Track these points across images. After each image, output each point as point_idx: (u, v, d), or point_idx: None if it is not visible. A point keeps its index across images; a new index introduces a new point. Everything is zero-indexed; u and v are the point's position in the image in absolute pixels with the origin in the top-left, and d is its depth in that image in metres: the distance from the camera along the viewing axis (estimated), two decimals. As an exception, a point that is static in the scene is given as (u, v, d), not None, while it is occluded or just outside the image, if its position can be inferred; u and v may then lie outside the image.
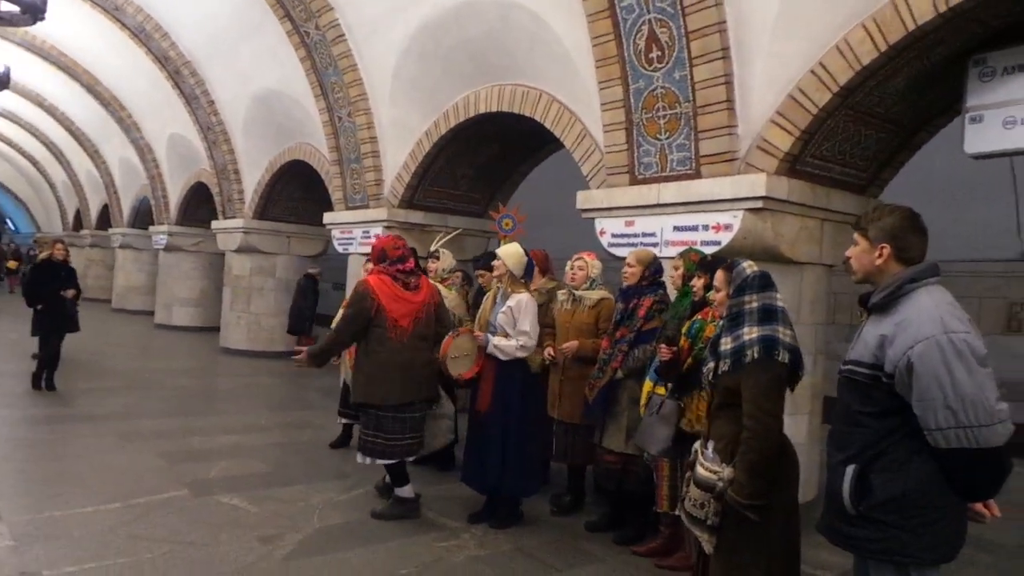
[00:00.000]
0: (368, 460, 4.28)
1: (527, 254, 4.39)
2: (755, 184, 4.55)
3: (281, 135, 10.67)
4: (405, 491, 4.49)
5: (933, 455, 1.99)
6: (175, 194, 15.14)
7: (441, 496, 4.97)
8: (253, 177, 11.69)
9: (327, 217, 9.43)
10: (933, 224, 5.79)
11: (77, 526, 3.94)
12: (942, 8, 3.77)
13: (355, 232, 8.74)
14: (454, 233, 6.63)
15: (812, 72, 4.40)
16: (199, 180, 13.76)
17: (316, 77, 8.72)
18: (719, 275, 2.91)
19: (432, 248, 5.77)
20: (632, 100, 5.22)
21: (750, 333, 2.69)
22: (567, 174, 8.95)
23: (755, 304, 2.76)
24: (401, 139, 8.05)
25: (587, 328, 4.68)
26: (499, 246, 5.12)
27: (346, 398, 5.71)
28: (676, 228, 5.02)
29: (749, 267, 2.84)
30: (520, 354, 4.20)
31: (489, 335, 4.19)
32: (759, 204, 4.55)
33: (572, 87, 5.94)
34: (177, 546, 3.77)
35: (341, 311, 5.12)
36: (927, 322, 1.98)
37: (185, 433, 6.27)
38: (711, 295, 2.98)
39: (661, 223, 5.11)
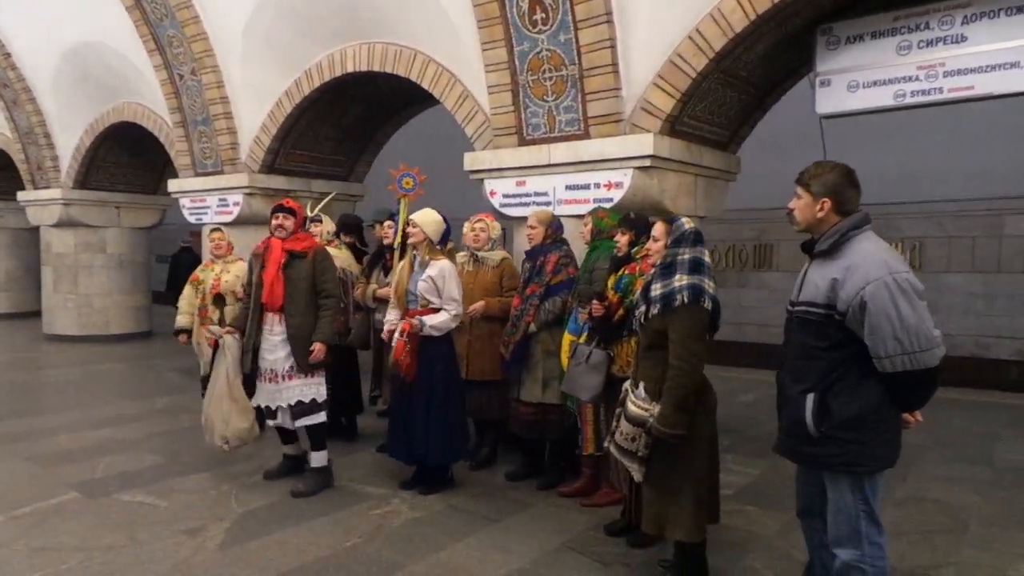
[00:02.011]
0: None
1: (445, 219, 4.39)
2: (643, 143, 4.87)
3: (102, 93, 9.55)
4: (322, 457, 4.45)
5: (881, 378, 2.35)
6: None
7: (355, 466, 4.95)
8: (69, 141, 10.40)
9: (173, 185, 8.68)
10: (755, 176, 6.44)
11: (-37, 547, 3.51)
12: (806, -18, 4.22)
13: (209, 200, 8.14)
14: (330, 197, 6.42)
15: (690, 38, 4.75)
16: (-7, 146, 11.99)
17: (148, 29, 7.90)
18: (659, 227, 3.16)
19: (312, 213, 5.57)
20: (517, 62, 5.32)
21: (680, 280, 2.98)
22: (434, 134, 8.92)
23: (687, 256, 3.04)
24: (257, 99, 7.56)
25: (492, 287, 4.81)
26: (398, 205, 5.05)
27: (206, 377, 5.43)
28: (568, 187, 5.24)
29: (687, 223, 3.12)
30: (454, 324, 4.23)
31: (423, 320, 4.15)
32: (647, 163, 4.88)
33: (451, 47, 5.90)
34: (94, 552, 3.48)
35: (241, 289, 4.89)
36: (874, 265, 2.30)
37: (46, 433, 5.66)
38: (648, 245, 3.22)
39: (553, 182, 5.31)
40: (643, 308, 3.09)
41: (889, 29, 4.60)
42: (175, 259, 13.25)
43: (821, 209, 2.43)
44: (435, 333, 4.17)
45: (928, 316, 2.28)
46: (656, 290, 3.04)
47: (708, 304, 2.98)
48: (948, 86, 4.45)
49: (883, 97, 4.66)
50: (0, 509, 4.00)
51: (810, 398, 2.41)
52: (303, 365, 4.30)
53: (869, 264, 2.30)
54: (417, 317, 4.14)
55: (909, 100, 4.58)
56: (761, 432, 5.81)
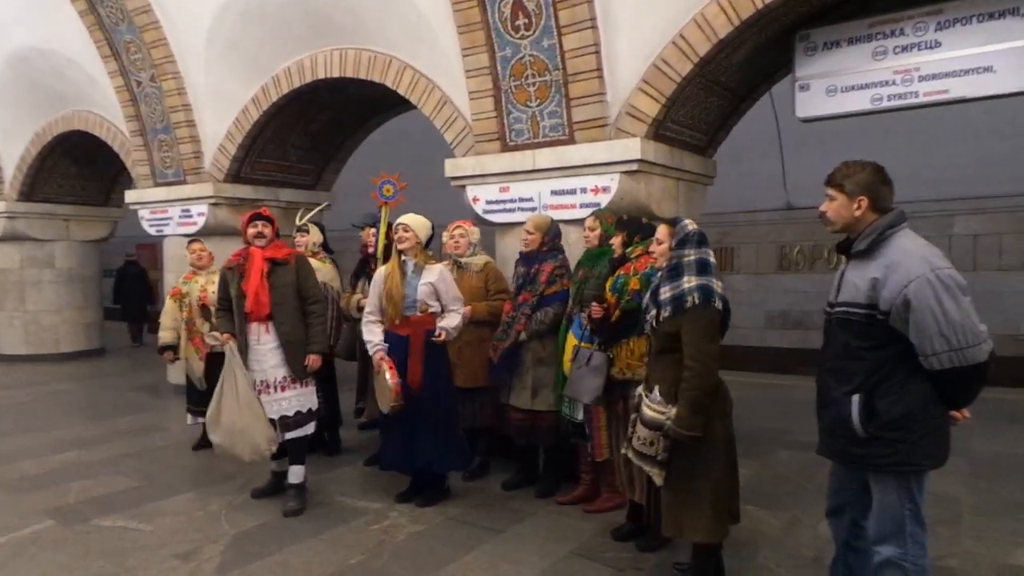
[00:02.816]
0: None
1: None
2: (629, 148, 4.89)
3: (50, 101, 9.14)
4: (301, 472, 4.32)
5: (928, 376, 2.34)
6: None
7: (343, 480, 4.82)
8: (13, 152, 9.92)
9: (131, 195, 8.34)
10: (717, 180, 6.52)
11: (-64, 584, 3.26)
12: (787, -13, 4.31)
13: (171, 211, 7.85)
14: (322, 207, 6.26)
15: (674, 43, 4.79)
16: (-74, 157, 11.34)
17: (103, 34, 7.60)
18: (663, 229, 3.16)
19: (299, 222, 5.42)
20: (500, 68, 5.28)
21: (689, 282, 2.98)
22: (404, 142, 8.81)
23: (692, 257, 3.05)
24: (221, 107, 7.33)
25: (477, 292, 4.75)
26: (379, 213, 4.94)
27: (198, 393, 5.25)
28: (554, 192, 5.22)
29: (690, 224, 3.12)
30: (462, 324, 4.24)
31: (447, 326, 4.10)
32: (634, 167, 4.90)
33: (428, 53, 5.83)
34: (82, 583, 3.28)
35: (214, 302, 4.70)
36: (915, 262, 2.29)
37: (5, 458, 5.33)
38: (652, 247, 3.21)
39: (538, 188, 5.29)
40: (653, 312, 3.07)
41: (865, 35, 4.73)
42: (120, 273, 12.78)
43: (858, 208, 2.42)
44: (453, 335, 4.14)
45: (973, 311, 2.27)
46: (665, 293, 3.04)
47: (719, 304, 2.99)
48: (923, 90, 4.59)
49: (861, 101, 4.78)
50: (-29, 541, 3.75)
51: (855, 399, 2.39)
52: (299, 372, 4.18)
53: (910, 262, 2.29)
54: (441, 327, 4.09)
55: (886, 104, 4.71)
56: (745, 431, 5.87)
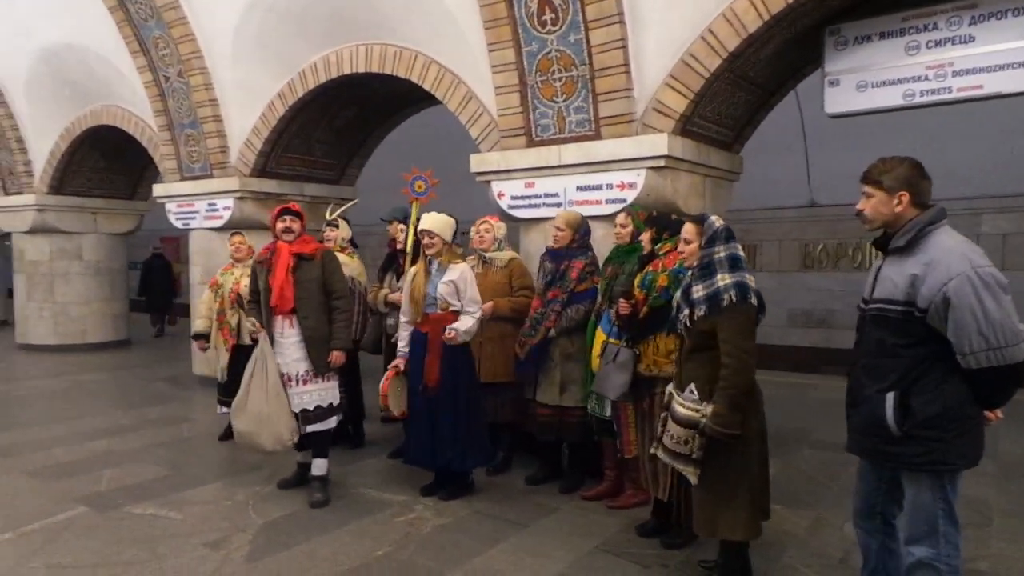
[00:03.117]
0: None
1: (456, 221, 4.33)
2: (656, 144, 4.87)
3: (79, 96, 9.28)
4: (324, 466, 4.36)
5: (964, 375, 2.31)
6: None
7: (368, 473, 4.86)
8: (43, 146, 10.07)
9: (158, 189, 8.45)
10: (740, 176, 6.42)
11: (-25, 567, 3.34)
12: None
13: (198, 205, 7.94)
14: (352, 203, 6.31)
15: (703, 38, 4.76)
16: (-41, 151, 11.57)
17: (132, 29, 7.69)
18: (691, 228, 3.13)
19: (330, 217, 5.47)
20: (526, 63, 5.28)
21: (723, 279, 2.97)
22: (426, 138, 8.83)
23: (723, 254, 3.03)
24: (248, 102, 7.40)
25: (501, 288, 4.76)
26: (411, 208, 4.96)
27: (225, 385, 5.31)
28: (580, 188, 5.21)
29: (717, 220, 3.10)
30: (476, 327, 4.21)
31: (457, 327, 4.10)
32: (661, 163, 4.88)
33: (454, 49, 5.84)
34: (115, 568, 3.34)
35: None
36: (956, 260, 2.26)
37: (40, 446, 5.44)
38: (681, 247, 3.20)
39: (564, 183, 5.28)
40: (686, 311, 3.06)
41: (897, 30, 4.67)
42: (147, 265, 13.03)
43: (899, 203, 2.39)
44: (467, 338, 4.12)
45: (1013, 310, 2.24)
46: (698, 292, 3.02)
47: (754, 300, 2.98)
48: (957, 85, 4.52)
49: (892, 97, 4.72)
50: (7, 526, 3.83)
51: (890, 397, 2.36)
52: (320, 367, 4.21)
53: (950, 259, 2.26)
54: (451, 327, 4.09)
55: (919, 100, 4.64)
56: (768, 431, 5.83)
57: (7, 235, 11.47)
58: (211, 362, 7.66)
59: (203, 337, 5.51)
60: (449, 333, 4.07)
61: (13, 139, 10.18)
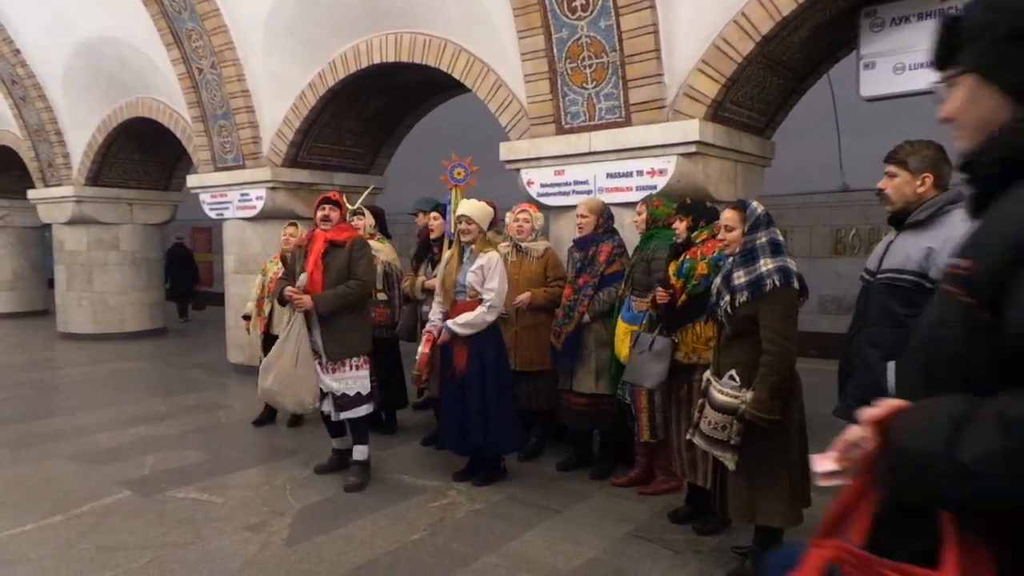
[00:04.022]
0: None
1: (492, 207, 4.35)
2: (687, 130, 4.83)
3: (115, 88, 9.45)
4: (364, 451, 4.44)
5: None
6: (-36, 162, 12.96)
7: (401, 459, 4.93)
8: (81, 138, 10.29)
9: (192, 180, 8.59)
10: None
11: (28, 547, 3.47)
12: (857, -36, 4.18)
13: (231, 195, 8.06)
14: (368, 190, 6.32)
15: (735, 22, 4.70)
16: (0, 144, 11.87)
17: (166, 22, 7.80)
18: (732, 215, 3.11)
19: (355, 206, 5.52)
20: (556, 50, 5.26)
21: (766, 265, 2.96)
22: (455, 126, 8.86)
23: (764, 239, 3.02)
24: (279, 93, 7.48)
25: (537, 278, 4.78)
26: (450, 196, 4.99)
27: None
28: (609, 175, 5.20)
29: (759, 206, 3.08)
30: (490, 317, 4.15)
31: (448, 323, 4.16)
32: (692, 148, 4.84)
33: (483, 36, 5.84)
34: (161, 550, 3.44)
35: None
36: None
37: (84, 432, 5.61)
38: (722, 235, 3.18)
39: (593, 171, 5.27)
40: (727, 297, 3.05)
41: (937, 10, 4.55)
42: (170, 254, 13.39)
43: (922, 184, 2.47)
44: (468, 331, 4.13)
45: None
46: (740, 278, 3.01)
47: (797, 285, 2.97)
48: (999, 67, 4.41)
49: (930, 79, 4.60)
50: (57, 509, 3.96)
51: (891, 365, 2.40)
52: (332, 353, 4.25)
53: None
54: (446, 323, 4.18)
55: (958, 82, 4.53)
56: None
57: (47, 226, 11.77)
58: (244, 349, 7.86)
59: (248, 318, 5.79)
60: (433, 334, 4.27)
61: (52, 132, 10.40)
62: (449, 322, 4.17)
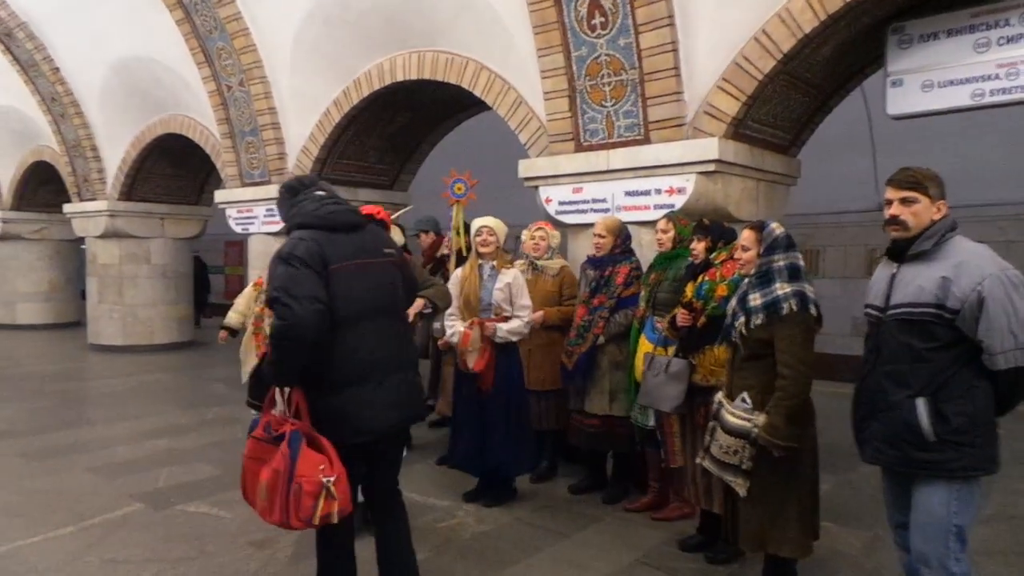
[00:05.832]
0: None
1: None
2: (707, 148, 4.76)
3: (148, 106, 9.68)
4: None
5: (988, 379, 2.31)
6: (7, 175, 13.34)
7: (414, 478, 4.86)
8: (115, 153, 10.55)
9: (220, 195, 8.73)
10: (803, 179, 6.23)
11: (36, 558, 3.49)
12: (879, -21, 4.09)
13: (257, 211, 8.17)
14: (407, 208, 6.39)
15: (756, 39, 4.63)
16: (39, 159, 12.20)
17: (198, 42, 7.98)
18: (749, 235, 3.04)
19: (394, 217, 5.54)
20: (575, 67, 5.24)
21: (783, 288, 2.88)
22: (476, 144, 8.87)
23: (782, 263, 2.94)
24: (305, 110, 7.58)
25: (551, 297, 4.72)
26: (452, 212, 4.98)
27: (254, 387, 5.25)
28: (628, 193, 5.14)
29: (777, 227, 3.00)
30: (527, 330, 4.19)
31: (500, 325, 4.10)
32: (711, 167, 4.77)
33: (504, 54, 5.85)
34: (165, 564, 3.44)
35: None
36: (986, 261, 2.30)
37: (103, 443, 5.67)
38: (739, 255, 3.10)
39: (612, 189, 5.22)
40: (742, 319, 2.97)
41: (967, 27, 4.43)
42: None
43: (938, 211, 2.41)
44: (512, 339, 4.12)
45: None
46: (755, 300, 2.93)
47: (814, 310, 2.88)
48: (1031, 84, 4.27)
49: (960, 97, 4.49)
50: (69, 520, 3.99)
51: (921, 402, 2.33)
52: None
53: (980, 260, 2.31)
54: (496, 324, 4.08)
55: (988, 99, 4.40)
56: (824, 444, 5.62)
57: (82, 239, 12.05)
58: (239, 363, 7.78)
59: (228, 330, 5.23)
60: (489, 325, 4.07)
61: (88, 148, 10.68)
62: (501, 326, 4.10)
